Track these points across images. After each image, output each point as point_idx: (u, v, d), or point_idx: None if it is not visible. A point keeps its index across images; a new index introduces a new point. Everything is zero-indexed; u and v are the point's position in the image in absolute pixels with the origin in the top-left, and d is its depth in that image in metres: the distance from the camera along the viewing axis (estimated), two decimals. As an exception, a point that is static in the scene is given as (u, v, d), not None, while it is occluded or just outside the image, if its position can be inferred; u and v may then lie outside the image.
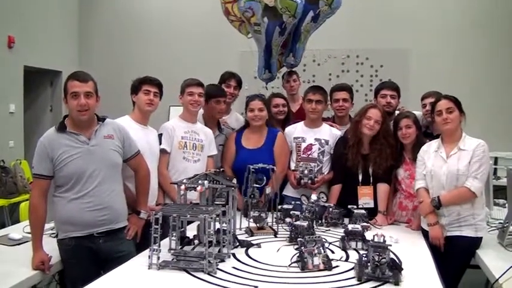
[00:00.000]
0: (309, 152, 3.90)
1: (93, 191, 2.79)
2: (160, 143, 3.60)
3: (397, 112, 4.05)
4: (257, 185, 3.33)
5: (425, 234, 3.23)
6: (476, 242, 3.10)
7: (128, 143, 3.02)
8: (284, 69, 4.88)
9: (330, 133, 3.94)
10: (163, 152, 3.61)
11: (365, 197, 3.63)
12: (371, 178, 3.65)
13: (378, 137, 3.64)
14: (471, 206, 3.09)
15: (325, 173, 3.87)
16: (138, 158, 3.12)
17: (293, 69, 4.91)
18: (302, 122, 4.05)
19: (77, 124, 2.80)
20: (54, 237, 2.93)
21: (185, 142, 3.69)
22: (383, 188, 3.63)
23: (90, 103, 2.77)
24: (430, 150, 3.31)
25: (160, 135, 3.63)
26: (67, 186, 2.77)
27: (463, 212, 3.09)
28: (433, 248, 3.04)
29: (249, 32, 4.42)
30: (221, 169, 3.36)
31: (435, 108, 3.26)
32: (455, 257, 3.09)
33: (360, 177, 3.67)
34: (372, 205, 3.60)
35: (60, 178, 2.77)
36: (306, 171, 3.77)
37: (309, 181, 3.75)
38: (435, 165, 3.21)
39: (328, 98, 4.09)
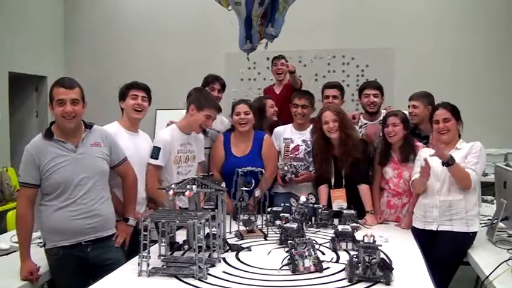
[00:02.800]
0: (296, 152, 4.04)
1: (80, 199, 2.75)
2: (156, 157, 3.46)
3: (383, 111, 4.08)
4: (246, 189, 3.31)
5: (414, 232, 3.27)
6: (467, 237, 3.12)
7: (115, 150, 2.99)
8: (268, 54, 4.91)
9: None
10: (156, 167, 3.48)
11: (338, 200, 3.65)
12: (343, 180, 3.69)
13: (341, 137, 3.66)
14: (463, 198, 3.14)
15: (312, 172, 3.95)
16: (126, 164, 3.09)
17: (281, 54, 5.18)
18: (291, 124, 4.17)
19: (64, 131, 2.76)
20: (42, 246, 2.90)
21: (180, 156, 3.60)
22: (364, 188, 3.65)
23: (76, 110, 2.73)
24: (425, 156, 3.28)
25: (158, 149, 3.47)
26: (54, 194, 2.74)
27: (455, 204, 3.14)
28: (424, 245, 3.02)
29: (229, 4, 4.37)
30: (210, 173, 3.34)
31: (433, 116, 3.34)
32: (446, 253, 3.12)
33: (333, 181, 3.72)
34: (345, 207, 3.58)
35: (47, 186, 2.73)
36: (286, 167, 3.86)
37: (292, 175, 3.84)
38: (432, 160, 3.19)
39: (317, 99, 4.25)
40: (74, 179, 2.74)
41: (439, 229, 3.17)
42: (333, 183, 3.72)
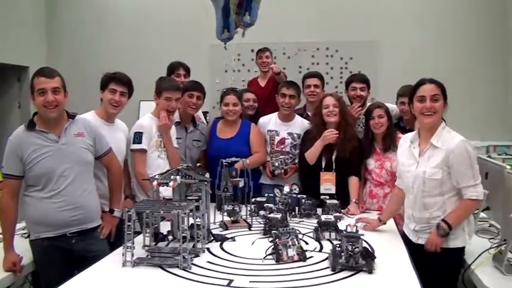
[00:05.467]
0: (282, 146, 4.06)
1: (64, 191, 2.73)
2: (139, 142, 3.50)
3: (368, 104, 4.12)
4: (232, 179, 3.33)
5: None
6: (450, 252, 2.71)
7: (99, 140, 2.97)
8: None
9: (302, 126, 4.07)
10: (141, 151, 3.52)
11: (327, 183, 3.71)
12: (333, 165, 3.73)
13: (341, 123, 3.73)
14: (442, 214, 2.72)
15: (297, 163, 3.99)
16: (111, 155, 3.08)
17: (266, 47, 5.18)
18: (276, 114, 4.18)
19: (46, 122, 2.74)
20: (26, 237, 2.88)
21: (160, 141, 3.63)
22: (354, 180, 3.71)
23: (58, 99, 2.70)
24: (404, 145, 2.98)
25: (140, 134, 3.52)
26: (38, 186, 2.72)
27: (433, 220, 2.75)
28: (410, 250, 2.75)
29: None
30: (198, 164, 3.36)
31: (416, 92, 2.81)
32: (433, 274, 2.67)
33: (323, 164, 3.75)
34: (333, 191, 3.65)
35: (30, 178, 2.72)
36: (276, 164, 3.90)
37: (282, 171, 3.90)
38: (405, 164, 2.90)
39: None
40: (56, 170, 2.72)
41: (418, 242, 2.83)
42: (323, 167, 3.74)
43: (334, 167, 3.72)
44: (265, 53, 5.15)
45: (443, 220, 2.67)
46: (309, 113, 4.24)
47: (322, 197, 3.56)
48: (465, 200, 2.68)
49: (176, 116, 3.98)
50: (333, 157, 3.73)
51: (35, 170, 2.70)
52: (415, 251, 2.75)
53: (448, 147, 2.68)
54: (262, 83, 5.11)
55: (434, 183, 2.71)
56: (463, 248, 2.75)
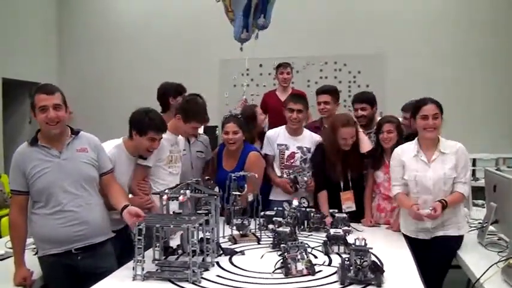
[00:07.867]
0: (292, 160, 4.01)
1: (66, 206, 2.69)
2: (145, 157, 3.39)
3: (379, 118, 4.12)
4: (238, 193, 3.34)
5: (406, 239, 3.26)
6: (458, 240, 3.18)
7: (101, 158, 2.91)
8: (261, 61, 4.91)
9: (311, 140, 4.03)
10: (145, 167, 3.41)
11: (348, 202, 3.71)
12: (350, 183, 3.74)
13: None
14: (453, 208, 3.14)
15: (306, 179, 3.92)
16: (112, 175, 2.99)
17: (287, 62, 5.27)
18: (284, 127, 4.11)
19: (49, 137, 2.72)
20: (34, 254, 2.87)
21: (171, 156, 3.57)
22: None
23: (60, 115, 2.67)
24: (408, 155, 3.28)
25: None
26: (41, 202, 2.70)
27: (445, 215, 3.11)
28: (417, 251, 3.01)
29: None
30: (206, 178, 3.37)
31: (419, 111, 3.21)
32: (438, 257, 3.13)
33: (342, 184, 3.76)
34: (354, 208, 3.68)
35: (34, 193, 2.70)
36: (300, 178, 3.85)
37: (305, 185, 3.85)
38: (419, 170, 3.20)
39: (310, 105, 4.23)
40: (58, 185, 2.69)
41: (432, 236, 3.19)
42: (342, 186, 3.76)
43: (351, 185, 3.75)
44: (287, 68, 5.25)
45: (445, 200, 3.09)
46: (326, 126, 4.15)
47: (331, 210, 3.57)
48: (457, 193, 3.14)
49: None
50: (349, 175, 3.76)
51: (36, 185, 2.67)
52: (423, 244, 3.18)
53: (453, 150, 3.18)
54: (282, 96, 5.11)
55: (451, 181, 3.15)
56: (463, 236, 3.23)
